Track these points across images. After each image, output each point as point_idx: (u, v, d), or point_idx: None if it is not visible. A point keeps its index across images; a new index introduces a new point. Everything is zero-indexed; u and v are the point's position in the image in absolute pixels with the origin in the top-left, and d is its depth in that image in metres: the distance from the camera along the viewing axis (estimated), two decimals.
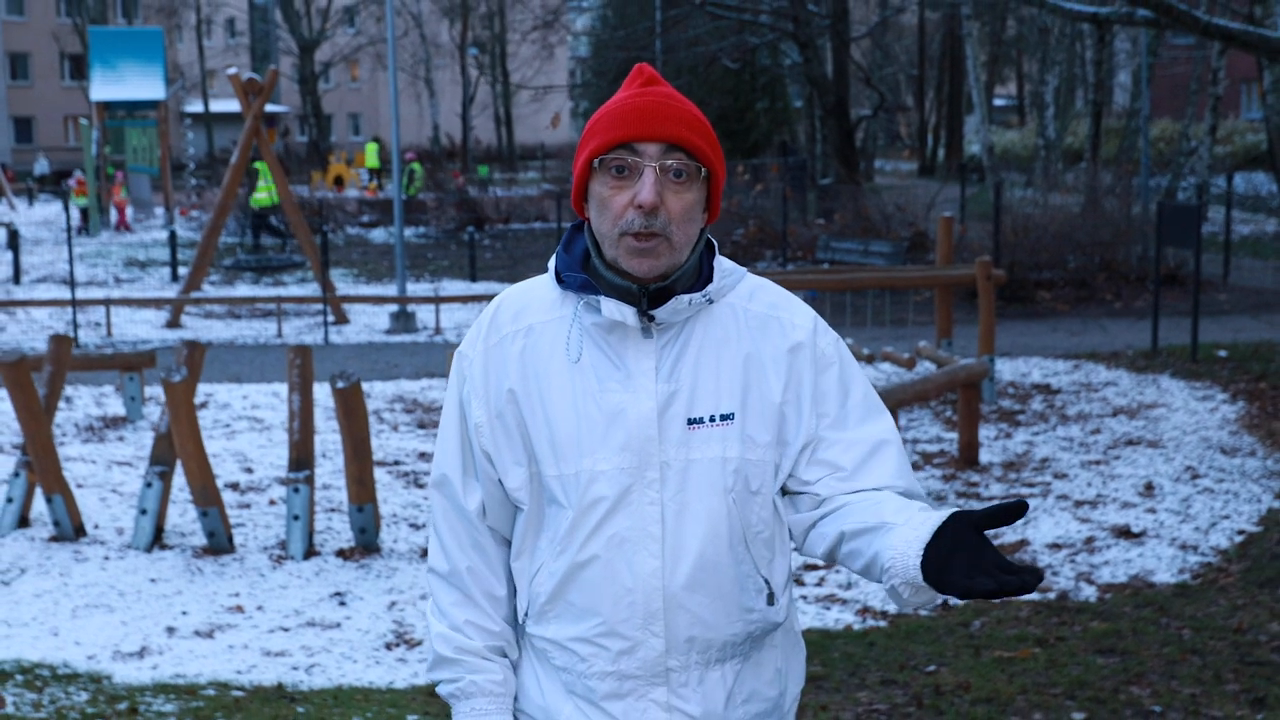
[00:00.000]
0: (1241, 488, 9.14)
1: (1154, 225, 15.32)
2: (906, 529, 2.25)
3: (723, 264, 2.53)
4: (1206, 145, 28.05)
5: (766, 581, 2.51)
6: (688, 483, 2.44)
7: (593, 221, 2.47)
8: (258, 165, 26.86)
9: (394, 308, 17.75)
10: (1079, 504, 8.87)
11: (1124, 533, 8.22)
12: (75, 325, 16.35)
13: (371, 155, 44.37)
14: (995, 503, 2.12)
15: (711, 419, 2.45)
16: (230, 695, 5.84)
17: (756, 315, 2.52)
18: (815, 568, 7.68)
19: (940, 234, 13.35)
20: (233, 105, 65.11)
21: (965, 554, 2.16)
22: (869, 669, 6.10)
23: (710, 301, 2.48)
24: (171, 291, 20.19)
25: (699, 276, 2.49)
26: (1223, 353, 13.95)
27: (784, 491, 2.54)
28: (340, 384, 7.79)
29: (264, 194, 25.79)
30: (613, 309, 2.42)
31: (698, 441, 2.44)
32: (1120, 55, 46.83)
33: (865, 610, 6.99)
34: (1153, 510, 8.70)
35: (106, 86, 33.63)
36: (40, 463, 8.28)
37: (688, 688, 2.48)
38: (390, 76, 17.73)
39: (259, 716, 5.50)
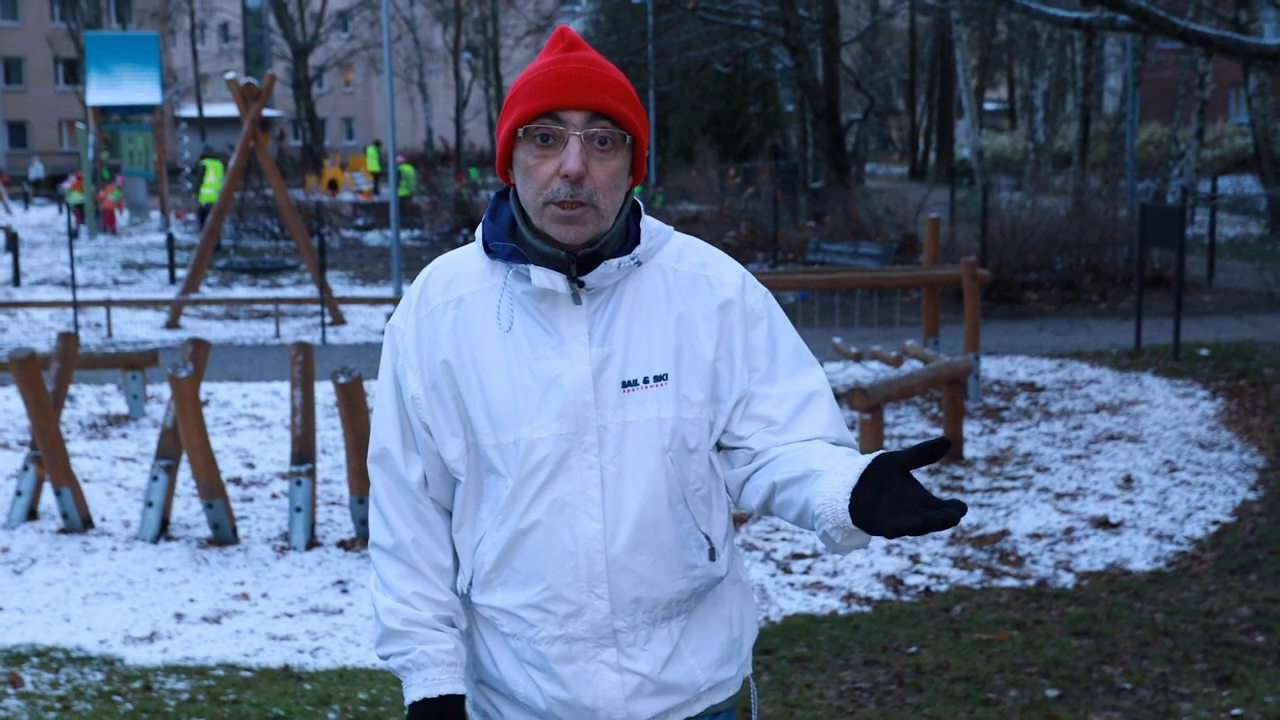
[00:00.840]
0: (1218, 480, 9.40)
1: (1138, 227, 15.56)
2: (834, 475, 2.27)
3: (649, 224, 2.54)
4: (1194, 149, 28.37)
5: (707, 537, 2.54)
6: (625, 445, 2.46)
7: (519, 190, 2.47)
8: (205, 163, 27.63)
9: (390, 308, 17.98)
10: (1059, 496, 9.12)
11: (1102, 523, 8.47)
12: (76, 326, 16.57)
13: (373, 159, 44.81)
14: (919, 442, 2.16)
15: (646, 380, 2.46)
16: (239, 675, 6.08)
17: (685, 275, 2.53)
18: (802, 556, 7.93)
19: (927, 235, 13.60)
20: (226, 109, 65.36)
21: (891, 495, 2.18)
22: (853, 650, 6.34)
23: (639, 263, 2.49)
24: (170, 293, 20.42)
25: (627, 239, 2.51)
26: (1205, 351, 14.21)
27: (719, 447, 2.56)
28: (342, 379, 8.03)
29: (212, 191, 26.73)
30: (542, 277, 2.42)
31: (633, 403, 2.46)
32: (1110, 59, 47.17)
33: (850, 596, 7.24)
34: (1131, 502, 8.95)
35: (103, 91, 33.86)
36: (49, 457, 8.50)
37: (635, 647, 2.51)
38: (386, 81, 17.96)
39: (268, 693, 5.74)
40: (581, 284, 2.44)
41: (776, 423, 2.50)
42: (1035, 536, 8.25)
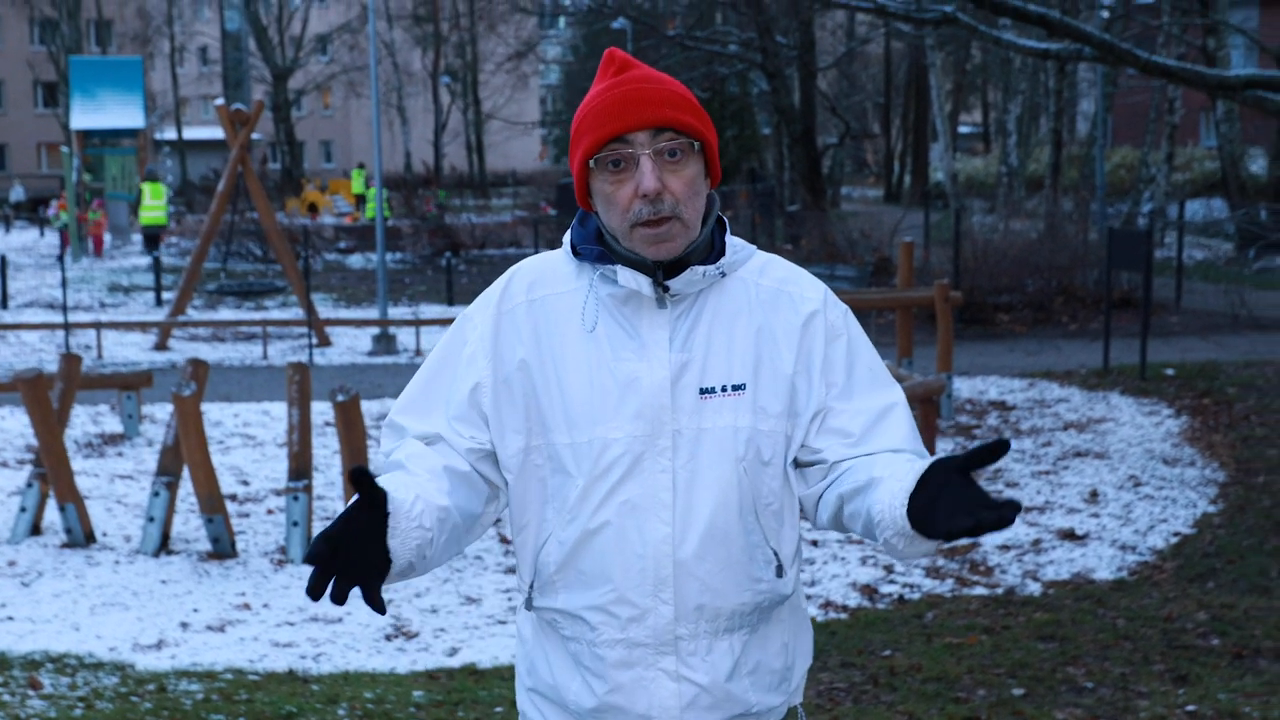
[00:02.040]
0: (1180, 494, 9.78)
1: (1106, 251, 15.97)
2: (892, 480, 2.31)
3: (734, 240, 2.58)
4: (1164, 172, 28.90)
5: (775, 553, 2.54)
6: (699, 451, 2.47)
7: (603, 218, 2.52)
8: (143, 186, 28.44)
9: (375, 330, 18.29)
10: (1028, 510, 9.48)
11: (1069, 535, 8.84)
12: (67, 348, 16.84)
13: (358, 181, 45.25)
14: (976, 444, 2.17)
15: (724, 389, 2.49)
16: (248, 678, 6.39)
17: (768, 290, 2.57)
18: None
19: (901, 258, 13.99)
20: (205, 133, 65.66)
21: (948, 497, 2.20)
22: (830, 654, 6.68)
23: (723, 274, 2.52)
24: (157, 316, 20.69)
25: (711, 250, 2.55)
26: (1170, 371, 14.62)
27: (796, 464, 2.56)
28: (340, 397, 8.34)
29: (153, 213, 27.62)
30: (629, 278, 2.46)
31: (710, 411, 2.48)
32: (1083, 84, 47.77)
33: (828, 604, 7.57)
34: (1096, 515, 9.32)
35: (87, 115, 34.28)
36: (54, 474, 8.79)
37: (696, 657, 2.50)
38: (373, 105, 18.33)
39: (277, 694, 6.05)
40: (666, 289, 2.48)
41: (852, 435, 2.53)
42: (1004, 548, 8.60)
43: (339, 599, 2.17)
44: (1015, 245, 21.02)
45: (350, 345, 18.68)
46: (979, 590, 7.77)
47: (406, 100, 62.08)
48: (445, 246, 29.13)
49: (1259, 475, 10.16)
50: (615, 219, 2.47)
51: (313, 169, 71.78)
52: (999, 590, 7.77)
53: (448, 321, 18.66)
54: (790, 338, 2.53)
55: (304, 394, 8.82)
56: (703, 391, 2.48)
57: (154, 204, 28.84)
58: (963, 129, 65.56)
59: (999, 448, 2.17)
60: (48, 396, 8.81)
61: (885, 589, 7.82)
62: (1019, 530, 8.96)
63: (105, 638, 7.14)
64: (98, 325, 17.21)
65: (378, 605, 2.23)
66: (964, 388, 14.29)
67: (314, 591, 2.16)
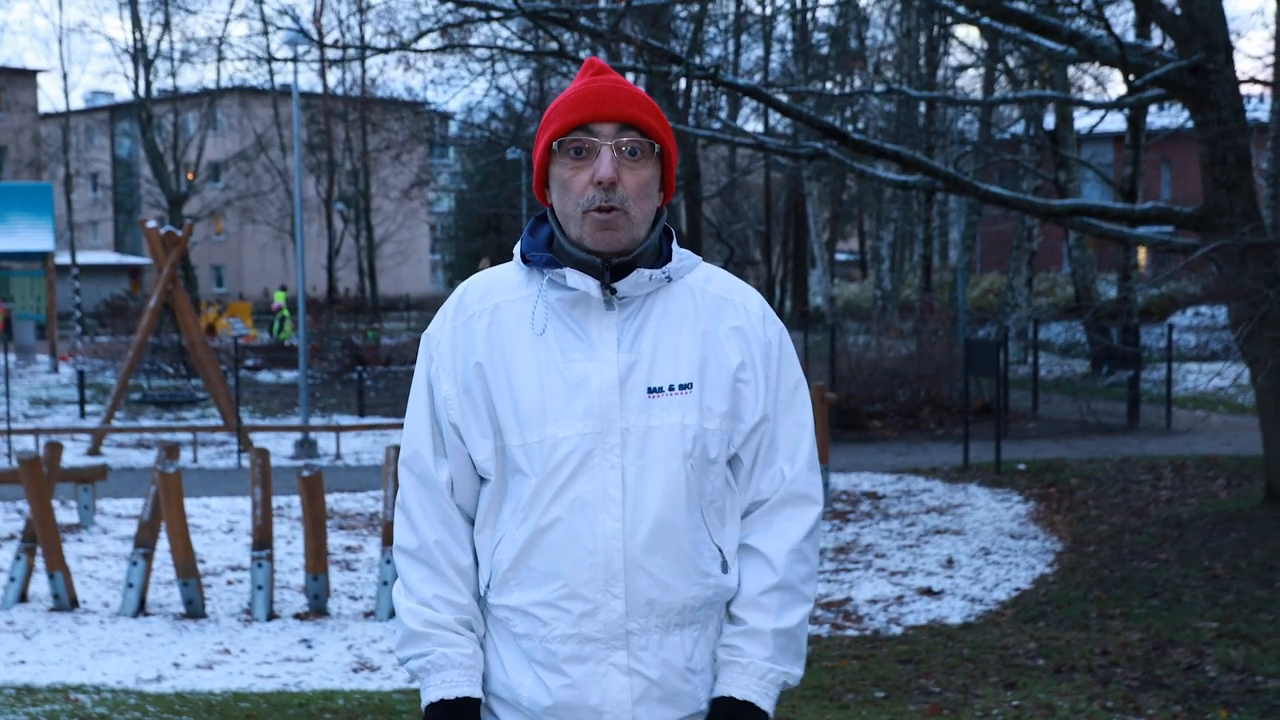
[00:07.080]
0: (1022, 561, 11.39)
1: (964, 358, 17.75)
2: (721, 684, 2.61)
3: (680, 250, 2.63)
4: (1025, 296, 31.12)
5: (720, 550, 2.59)
6: (648, 448, 2.51)
7: (555, 203, 2.58)
8: None
9: (298, 436, 19.50)
10: (893, 574, 11.02)
11: (927, 591, 10.38)
12: (10, 453, 17.86)
13: (281, 298, 46.55)
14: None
15: (670, 388, 2.53)
16: (250, 693, 7.66)
17: (713, 296, 2.63)
18: None
19: None
20: (97, 257, 66.30)
21: None
22: None
23: (669, 279, 2.58)
24: (86, 425, 21.71)
25: (659, 256, 2.62)
26: (1022, 466, 16.36)
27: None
28: (305, 473, 9.68)
29: None
30: (578, 280, 2.51)
31: (657, 409, 2.51)
32: (953, 213, 50.36)
33: None
34: (951, 577, 10.89)
35: None
36: (47, 545, 9.99)
37: (647, 651, 2.54)
38: (297, 233, 19.71)
39: (285, 696, 7.33)
40: (613, 290, 2.54)
41: (773, 456, 2.68)
42: (872, 602, 10.12)
43: None
44: (887, 359, 22.83)
45: (273, 450, 19.80)
46: (850, 632, 9.26)
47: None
48: (354, 362, 30.41)
49: (1090, 545, 11.81)
50: (569, 204, 2.55)
51: (205, 293, 72.53)
52: (867, 631, 9.26)
53: (364, 428, 19.96)
54: (732, 342, 2.61)
55: (265, 474, 10.14)
56: (650, 391, 2.54)
57: None
58: (840, 256, 68.09)
59: None
60: (43, 476, 10.05)
61: None
62: (885, 589, 10.49)
63: (110, 674, 8.34)
64: (37, 431, 18.26)
65: None
66: (840, 481, 15.88)
67: None
